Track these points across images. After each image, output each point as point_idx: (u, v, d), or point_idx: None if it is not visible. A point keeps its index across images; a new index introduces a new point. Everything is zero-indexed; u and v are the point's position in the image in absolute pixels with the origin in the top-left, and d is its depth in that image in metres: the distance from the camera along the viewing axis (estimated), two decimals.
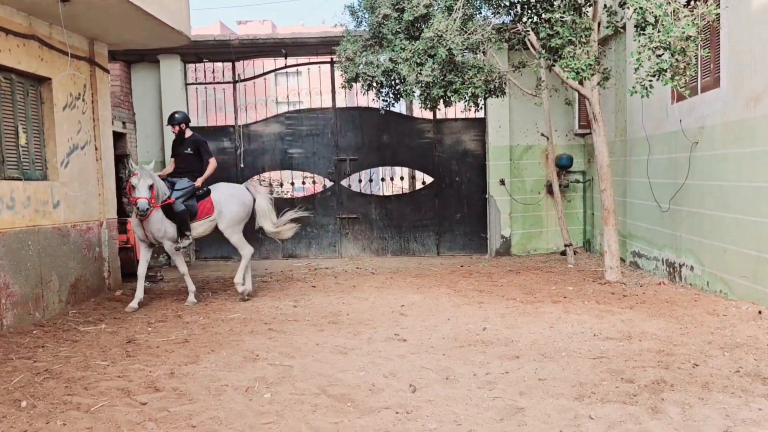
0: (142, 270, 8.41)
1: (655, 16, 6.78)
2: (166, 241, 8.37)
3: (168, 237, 8.37)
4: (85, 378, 5.32)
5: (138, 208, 7.83)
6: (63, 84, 8.43)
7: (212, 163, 8.78)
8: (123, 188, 11.88)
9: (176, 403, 4.69)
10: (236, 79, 13.13)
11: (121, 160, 11.90)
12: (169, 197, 8.30)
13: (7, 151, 7.48)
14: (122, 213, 11.46)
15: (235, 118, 13.14)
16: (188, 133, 8.86)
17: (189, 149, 8.73)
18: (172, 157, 9.01)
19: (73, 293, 8.43)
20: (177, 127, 8.72)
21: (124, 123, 12.06)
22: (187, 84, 12.97)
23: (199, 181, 8.58)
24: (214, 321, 7.39)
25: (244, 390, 4.92)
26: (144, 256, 8.51)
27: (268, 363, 5.62)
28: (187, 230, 8.43)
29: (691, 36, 6.72)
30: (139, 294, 8.26)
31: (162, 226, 8.29)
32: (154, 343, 6.45)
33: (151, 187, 7.96)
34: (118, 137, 11.71)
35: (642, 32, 6.98)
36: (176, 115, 8.75)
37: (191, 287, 8.56)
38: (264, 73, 13.17)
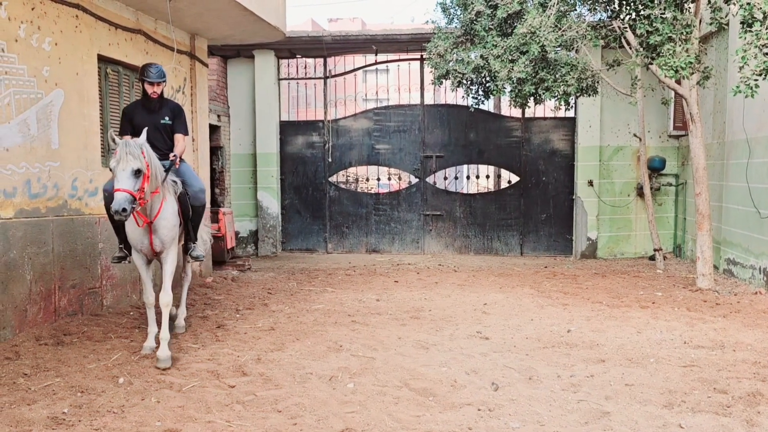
0: (151, 297, 5.82)
1: (764, 12, 6.46)
2: (173, 250, 5.84)
3: (175, 244, 5.92)
4: (177, 359, 5.55)
5: (113, 209, 5.04)
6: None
7: (184, 142, 6.36)
8: (216, 179, 12.33)
9: (263, 387, 4.83)
10: (327, 74, 13.36)
11: (215, 152, 12.34)
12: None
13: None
14: (214, 203, 11.88)
15: (325, 113, 13.36)
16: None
17: (167, 118, 6.27)
18: (125, 131, 6.15)
19: None
20: (160, 86, 6.18)
21: (219, 116, 12.48)
22: (279, 79, 13.29)
23: (177, 159, 6.08)
24: (299, 311, 7.56)
25: (328, 379, 5.02)
26: (148, 277, 5.93)
27: (351, 354, 5.71)
28: (195, 234, 6.47)
29: None
30: (153, 329, 5.86)
31: (176, 229, 5.88)
32: (242, 329, 6.66)
33: (137, 174, 5.17)
34: (213, 129, 12.13)
35: (748, 29, 6.67)
36: (153, 70, 6.11)
37: (164, 335, 5.56)
38: (354, 69, 13.35)
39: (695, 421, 4.12)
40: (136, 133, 5.79)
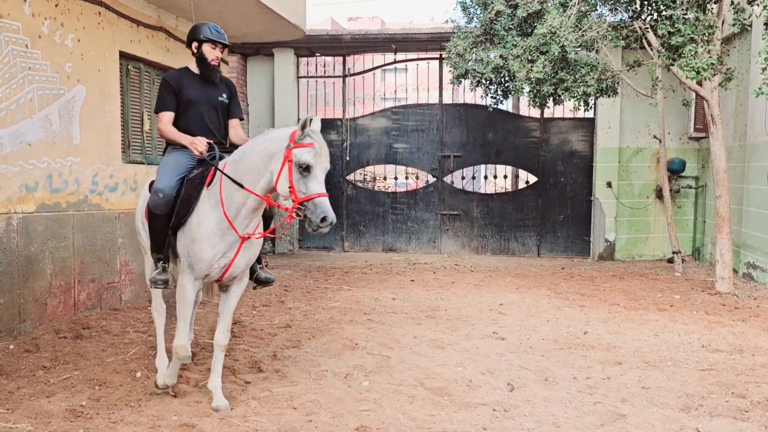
0: (186, 347, 4.47)
1: None
2: (246, 276, 4.66)
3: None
4: (194, 354, 5.58)
5: (329, 221, 3.98)
6: None
7: (241, 130, 5.06)
8: None
9: (278, 384, 4.86)
10: (346, 73, 13.38)
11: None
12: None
13: (132, 136, 7.95)
14: None
15: (343, 112, 13.39)
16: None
17: (224, 95, 4.87)
18: (168, 106, 4.65)
19: None
20: (223, 51, 4.85)
21: None
22: (298, 77, 13.33)
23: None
24: (316, 308, 7.58)
25: (344, 377, 5.03)
26: (192, 314, 4.81)
27: (366, 352, 5.72)
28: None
29: None
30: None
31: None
32: (258, 326, 6.70)
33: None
34: None
35: None
36: (213, 27, 4.78)
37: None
38: (373, 68, 13.36)
39: (713, 425, 4.09)
40: (184, 112, 4.64)
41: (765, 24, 6.75)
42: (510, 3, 9.13)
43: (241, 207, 4.17)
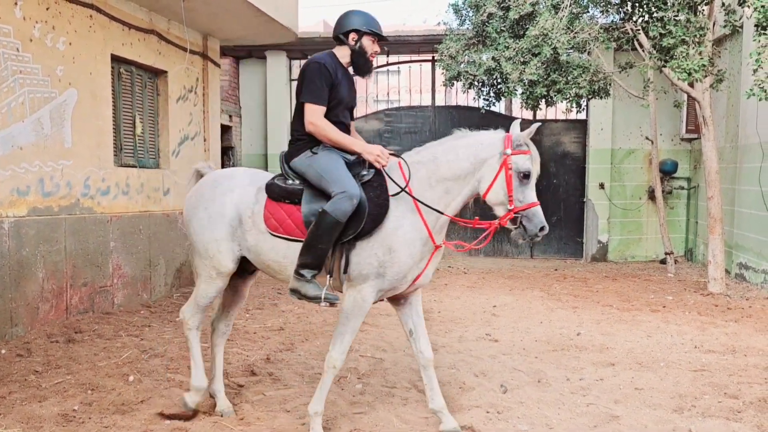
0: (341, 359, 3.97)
1: None
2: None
3: None
4: (187, 358, 5.50)
5: (546, 230, 3.94)
6: (178, 77, 8.85)
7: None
8: None
9: (271, 387, 4.85)
10: None
11: (226, 152, 12.39)
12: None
13: (124, 139, 7.92)
14: None
15: None
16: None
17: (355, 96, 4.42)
18: (320, 99, 3.99)
19: (177, 277, 8.84)
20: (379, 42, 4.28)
21: (230, 116, 12.53)
22: (291, 80, 13.31)
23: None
24: (309, 311, 7.57)
25: (337, 379, 5.02)
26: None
27: (360, 354, 5.72)
28: None
29: None
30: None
31: None
32: (251, 329, 6.68)
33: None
34: (225, 130, 12.18)
35: (763, 32, 6.64)
36: (376, 20, 4.25)
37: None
38: None
39: (705, 426, 4.10)
40: (329, 111, 4.04)
41: (756, 25, 6.78)
42: (502, 5, 9.15)
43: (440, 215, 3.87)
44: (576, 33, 8.36)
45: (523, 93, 9.14)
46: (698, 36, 7.72)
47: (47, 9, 6.49)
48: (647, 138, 11.35)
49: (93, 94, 7.15)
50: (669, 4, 7.77)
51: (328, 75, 3.98)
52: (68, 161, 6.79)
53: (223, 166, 11.61)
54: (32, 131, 6.31)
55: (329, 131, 3.95)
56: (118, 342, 6.07)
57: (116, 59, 7.67)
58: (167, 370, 5.24)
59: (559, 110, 11.74)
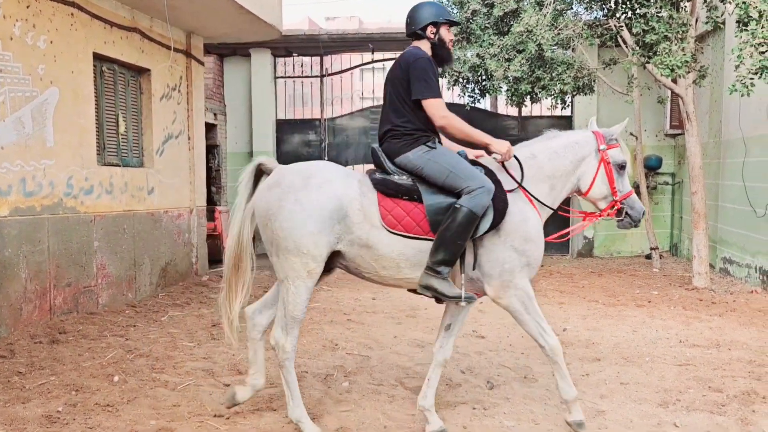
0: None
1: (759, 11, 6.47)
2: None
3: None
4: (173, 358, 5.54)
5: (638, 219, 4.21)
6: (161, 75, 8.79)
7: None
8: (212, 177, 12.32)
9: None
10: (323, 73, 13.34)
11: (211, 150, 12.33)
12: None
13: (107, 138, 7.86)
14: (211, 201, 11.87)
15: (321, 112, 13.36)
16: None
17: None
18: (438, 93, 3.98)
19: (162, 276, 8.79)
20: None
21: (215, 114, 12.46)
22: (276, 77, 13.28)
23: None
24: None
25: (323, 377, 5.02)
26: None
27: (346, 352, 5.71)
28: None
29: None
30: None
31: None
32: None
33: None
34: (209, 128, 12.11)
35: (744, 28, 6.68)
36: (446, 8, 4.49)
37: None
38: (351, 68, 13.34)
39: (690, 420, 4.12)
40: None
41: (737, 22, 6.82)
42: (486, 2, 9.16)
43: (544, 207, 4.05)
44: (560, 29, 8.39)
45: (508, 90, 9.17)
46: (681, 32, 7.77)
47: (27, 7, 6.42)
48: (631, 134, 11.40)
49: (75, 92, 7.09)
50: (652, 0, 7.81)
51: (435, 69, 3.99)
52: (50, 161, 6.73)
53: (207, 165, 11.55)
54: (13, 131, 6.24)
55: (463, 123, 3.97)
56: (103, 342, 6.02)
57: (98, 57, 7.60)
58: (152, 370, 5.21)
59: (544, 107, 11.79)
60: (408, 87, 3.92)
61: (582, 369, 5.20)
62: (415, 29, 4.11)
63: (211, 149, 12.39)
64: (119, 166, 8.00)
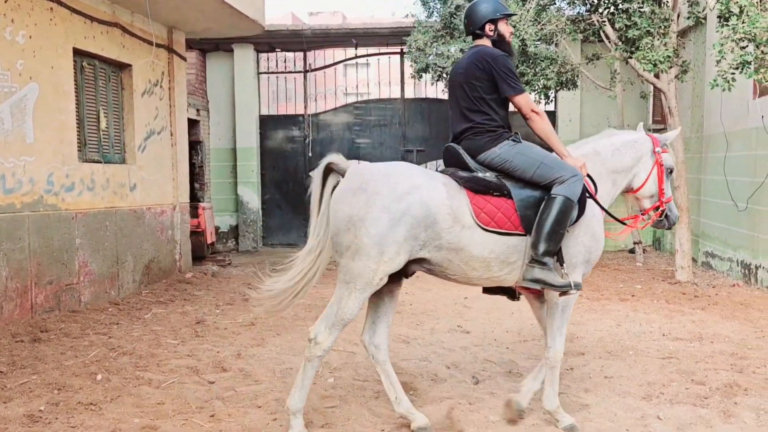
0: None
1: (740, 6, 6.52)
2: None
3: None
4: (157, 355, 5.50)
5: (674, 222, 4.45)
6: (142, 71, 8.71)
7: None
8: (195, 174, 12.25)
9: (242, 383, 4.80)
10: (307, 68, 13.29)
11: (194, 146, 12.25)
12: None
13: (89, 134, 7.78)
14: (194, 198, 11.80)
15: (305, 107, 13.31)
16: None
17: None
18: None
19: (146, 274, 8.72)
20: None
21: (198, 110, 12.38)
22: (259, 73, 13.21)
23: None
24: None
25: None
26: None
27: (331, 349, 5.68)
28: None
29: None
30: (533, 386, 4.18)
31: None
32: (222, 324, 6.62)
33: None
34: (192, 124, 12.03)
35: (725, 23, 6.73)
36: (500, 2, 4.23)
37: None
38: (335, 63, 13.30)
39: (673, 413, 4.15)
40: (503, 104, 4.15)
41: (718, 17, 6.87)
42: None
43: (606, 202, 4.19)
44: (543, 25, 8.41)
45: None
46: (663, 27, 7.81)
47: (5, 2, 6.33)
48: (615, 129, 11.47)
49: (55, 88, 7.00)
50: None
51: (513, 64, 4.10)
52: (30, 157, 6.65)
53: (191, 161, 11.48)
54: None
55: (548, 124, 4.06)
56: (86, 340, 5.96)
57: (78, 53, 7.52)
58: (136, 368, 5.16)
59: None
60: (491, 85, 3.97)
61: (566, 363, 5.22)
62: (474, 29, 4.16)
63: (194, 145, 12.31)
64: (101, 162, 7.92)
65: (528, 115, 3.99)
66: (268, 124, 13.31)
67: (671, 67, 7.98)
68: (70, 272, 7.19)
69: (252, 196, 13.12)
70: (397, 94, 13.11)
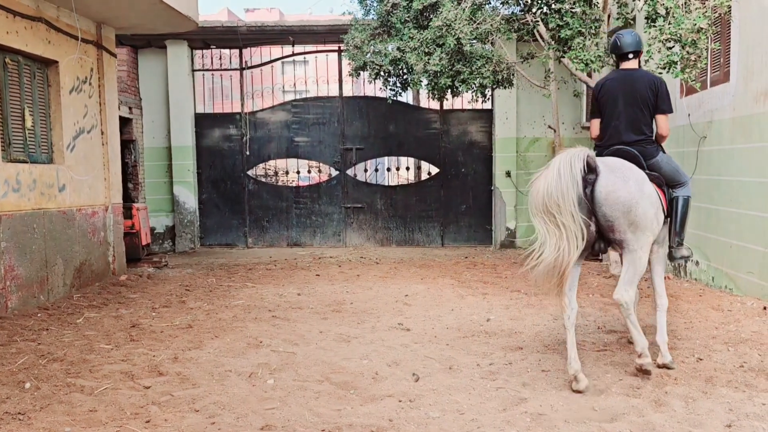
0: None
1: (666, 8, 6.74)
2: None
3: None
4: (89, 361, 5.33)
5: None
6: (70, 67, 8.42)
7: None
8: (129, 173, 11.93)
9: (179, 387, 4.69)
10: (243, 66, 13.11)
11: (127, 145, 11.92)
12: None
13: (13, 133, 7.47)
14: (128, 198, 11.49)
15: (242, 106, 13.12)
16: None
17: None
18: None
19: (77, 277, 8.45)
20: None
21: (130, 108, 12.06)
22: (194, 70, 12.95)
23: None
24: (218, 307, 7.40)
25: (248, 376, 4.92)
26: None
27: (271, 350, 5.62)
28: None
29: (702, 28, 6.67)
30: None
31: None
32: (158, 327, 6.46)
33: None
34: (125, 122, 11.71)
35: (653, 24, 6.94)
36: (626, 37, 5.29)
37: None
38: (271, 61, 13.15)
39: (607, 404, 4.25)
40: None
41: (646, 18, 7.08)
42: None
43: None
44: (478, 24, 8.50)
45: (428, 84, 9.23)
46: (594, 28, 8.00)
47: None
48: (550, 126, 11.70)
49: None
50: None
51: None
52: None
53: (123, 160, 11.19)
54: None
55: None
56: (13, 347, 5.73)
57: (1, 48, 7.21)
58: (67, 374, 4.99)
59: (465, 100, 11.93)
60: (655, 103, 5.13)
61: (505, 358, 5.29)
62: (640, 49, 5.29)
63: (127, 144, 11.98)
64: (26, 162, 7.62)
65: (666, 133, 5.22)
66: (204, 122, 13.07)
67: (603, 67, 8.18)
68: None
69: (188, 196, 12.87)
70: (334, 92, 13.06)
